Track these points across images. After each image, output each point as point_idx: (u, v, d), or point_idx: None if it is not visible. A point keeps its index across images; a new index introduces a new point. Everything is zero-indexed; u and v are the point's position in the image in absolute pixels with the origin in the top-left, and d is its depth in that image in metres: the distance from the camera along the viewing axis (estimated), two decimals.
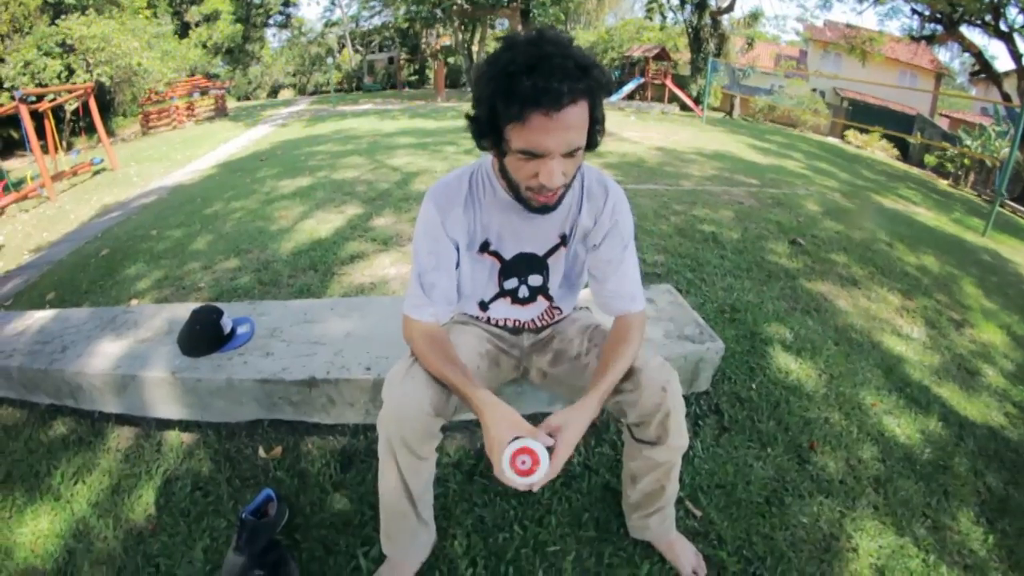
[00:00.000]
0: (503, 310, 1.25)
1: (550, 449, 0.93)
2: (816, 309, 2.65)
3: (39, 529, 1.49)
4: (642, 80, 19.05)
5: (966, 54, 13.67)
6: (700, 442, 1.69)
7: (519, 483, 0.91)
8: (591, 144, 0.96)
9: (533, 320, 1.28)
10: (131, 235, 4.31)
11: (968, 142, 12.12)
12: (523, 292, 1.21)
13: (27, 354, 1.84)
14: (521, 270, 1.17)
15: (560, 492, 1.50)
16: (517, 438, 0.92)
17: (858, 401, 1.98)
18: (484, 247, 1.14)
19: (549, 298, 1.25)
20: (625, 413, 1.12)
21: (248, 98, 29.06)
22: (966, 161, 11.53)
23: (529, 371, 1.34)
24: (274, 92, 31.37)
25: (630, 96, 18.60)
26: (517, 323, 1.28)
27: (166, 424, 1.76)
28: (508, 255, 1.16)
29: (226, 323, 1.69)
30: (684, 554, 1.29)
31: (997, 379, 2.35)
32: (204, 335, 1.66)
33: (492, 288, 1.21)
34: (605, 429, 1.71)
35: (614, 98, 17.76)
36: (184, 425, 1.75)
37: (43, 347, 1.86)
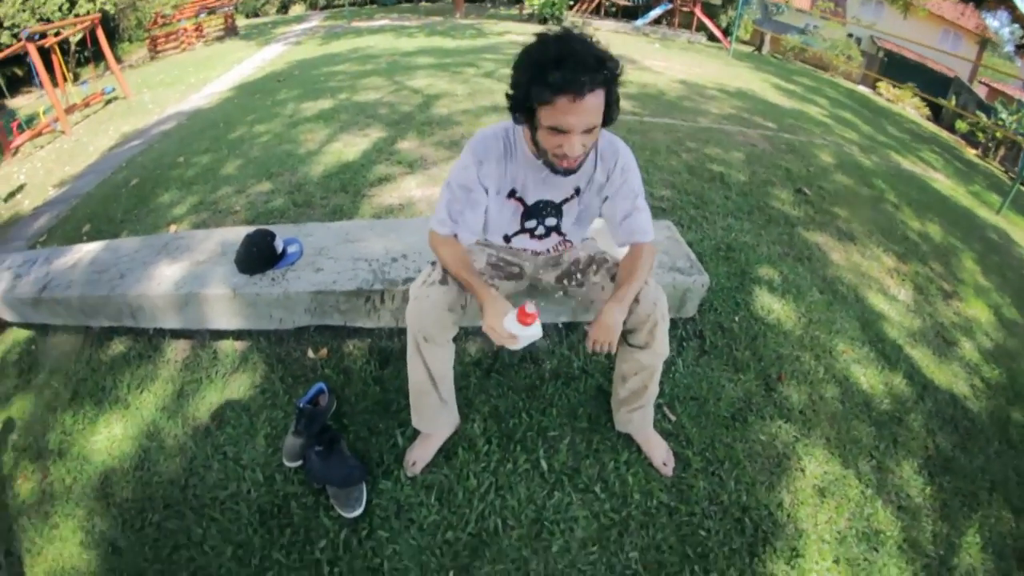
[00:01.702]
0: (523, 242, 1.50)
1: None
2: (808, 258, 2.76)
3: (113, 435, 1.74)
4: (670, 6, 18.05)
5: (1016, 24, 12.73)
6: (682, 360, 1.93)
7: (522, 332, 1.19)
8: (607, 121, 1.16)
9: (547, 250, 1.54)
10: (157, 163, 4.38)
11: (1003, 116, 11.59)
12: (540, 230, 1.46)
13: (86, 283, 2.04)
14: (540, 213, 1.41)
15: (561, 390, 1.78)
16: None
17: (831, 347, 2.17)
18: (511, 194, 1.37)
19: (561, 234, 1.49)
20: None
21: (257, 15, 27.80)
22: (998, 134, 11.06)
23: (539, 283, 1.62)
24: (284, 7, 29.88)
25: (656, 21, 17.73)
26: (534, 252, 1.54)
27: (219, 335, 2.00)
28: (530, 201, 1.39)
29: (279, 244, 1.92)
30: (658, 448, 1.59)
31: (972, 353, 2.44)
32: (261, 255, 1.89)
33: (515, 225, 1.45)
34: None
35: (639, 22, 16.91)
36: (236, 335, 1.99)
37: (100, 275, 2.06)
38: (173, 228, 2.95)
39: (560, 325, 1.99)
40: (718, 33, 16.21)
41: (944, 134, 11.47)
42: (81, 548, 1.49)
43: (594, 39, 1.11)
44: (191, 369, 1.92)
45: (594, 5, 18.96)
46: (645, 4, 19.04)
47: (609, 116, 1.15)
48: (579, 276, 1.50)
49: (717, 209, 3.07)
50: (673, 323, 2.04)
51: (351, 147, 3.84)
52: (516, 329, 1.20)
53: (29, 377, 2.07)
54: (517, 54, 1.15)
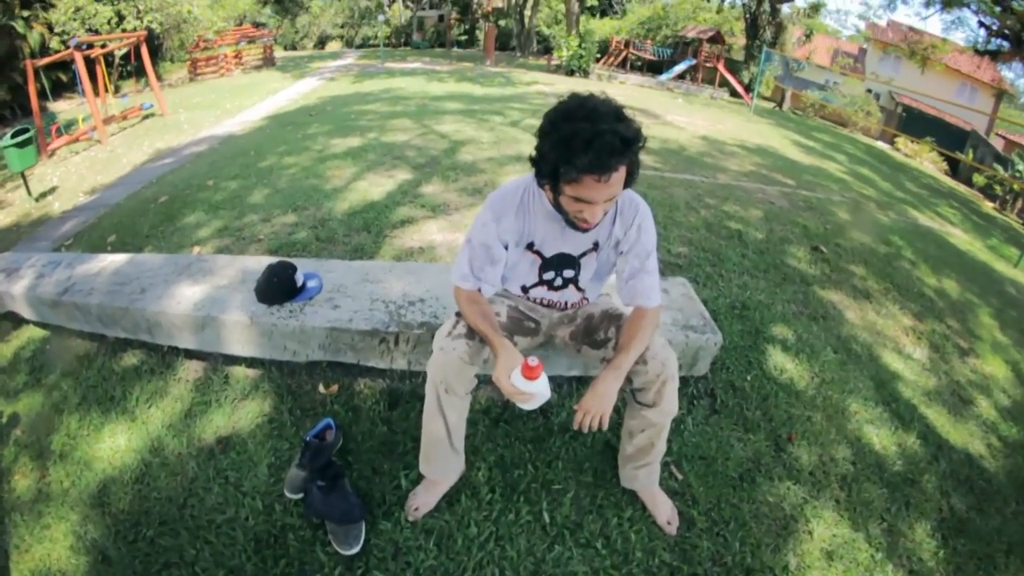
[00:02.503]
0: (540, 294, 1.53)
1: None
2: (823, 316, 2.74)
3: (116, 445, 1.76)
4: (694, 62, 18.62)
5: None
6: (691, 418, 1.91)
7: (527, 388, 1.20)
8: (627, 185, 1.21)
9: (564, 304, 1.56)
10: (188, 183, 4.51)
11: (1021, 168, 11.67)
12: (558, 282, 1.49)
13: (107, 293, 2.09)
14: (558, 265, 1.45)
15: (568, 443, 1.77)
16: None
17: (843, 407, 2.13)
18: (529, 246, 1.41)
19: (580, 289, 1.51)
20: (631, 380, 1.39)
21: (295, 48, 29.15)
22: (1015, 186, 11.11)
23: (554, 338, 1.63)
24: (321, 43, 31.35)
25: (680, 76, 18.23)
26: (550, 305, 1.56)
27: (232, 360, 2.02)
28: (548, 254, 1.42)
29: (299, 277, 1.97)
30: (663, 506, 1.56)
31: (989, 411, 2.41)
32: (281, 286, 1.93)
33: (533, 277, 1.48)
34: None
35: (663, 78, 17.43)
36: (249, 362, 2.01)
37: (122, 288, 2.12)
38: (196, 249, 3.02)
39: (572, 379, 1.99)
40: (740, 89, 16.60)
41: (962, 188, 11.54)
42: (71, 552, 1.49)
43: (617, 104, 1.15)
44: (201, 390, 1.95)
45: (620, 59, 19.61)
46: (670, 59, 19.68)
47: (630, 182, 1.20)
48: (593, 335, 1.51)
49: (733, 267, 3.09)
50: (684, 381, 2.03)
51: (376, 187, 3.92)
52: (521, 384, 1.20)
53: (39, 376, 2.11)
54: (544, 115, 1.19)
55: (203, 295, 2.04)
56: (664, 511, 1.55)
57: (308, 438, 1.59)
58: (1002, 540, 1.75)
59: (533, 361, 1.20)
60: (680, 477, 1.70)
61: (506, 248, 1.39)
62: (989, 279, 4.42)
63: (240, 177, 4.42)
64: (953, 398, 2.42)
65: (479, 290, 1.42)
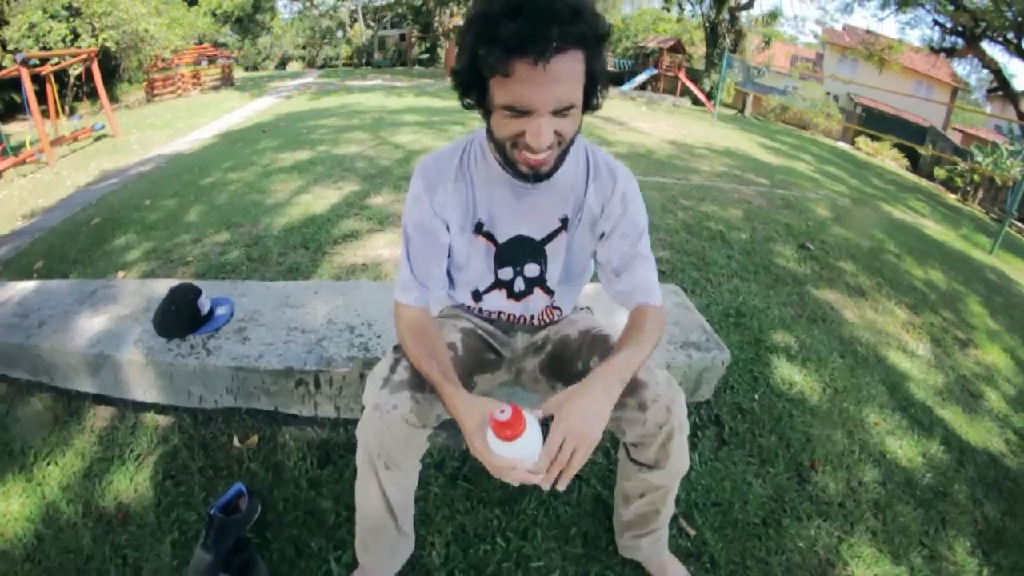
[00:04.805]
0: (496, 302, 1.14)
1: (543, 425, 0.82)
2: (823, 318, 2.57)
3: (9, 511, 1.42)
4: (655, 71, 18.86)
5: (985, 70, 13.60)
6: (698, 455, 1.60)
7: (505, 452, 0.79)
8: (590, 104, 0.85)
9: (531, 319, 1.17)
10: (125, 204, 4.23)
11: (980, 158, 12.05)
12: (519, 285, 1.10)
13: (5, 327, 1.75)
14: (517, 257, 1.06)
15: (547, 503, 1.40)
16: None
17: (861, 419, 1.91)
18: (479, 228, 1.03)
19: (548, 292, 1.12)
20: (624, 431, 1.00)
21: (256, 69, 28.71)
22: (976, 177, 11.47)
23: (522, 373, 1.23)
24: (283, 64, 31.02)
25: (642, 86, 18.41)
26: (511, 318, 1.17)
27: (143, 406, 1.67)
28: (502, 238, 1.04)
29: (204, 303, 1.59)
30: (675, 575, 1.21)
31: (999, 404, 2.29)
32: (180, 316, 1.56)
33: (488, 277, 1.10)
34: None
35: (626, 87, 17.59)
36: (160, 408, 1.66)
37: (21, 321, 1.77)
38: (121, 274, 2.73)
39: (549, 423, 1.65)
40: (702, 96, 16.83)
41: (924, 182, 12.01)
42: None
43: None
44: (105, 444, 1.59)
45: None
46: (631, 70, 19.91)
47: (592, 93, 0.84)
48: (570, 367, 1.11)
49: (721, 270, 2.89)
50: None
51: (321, 200, 3.68)
52: (499, 448, 0.80)
53: None
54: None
55: (100, 328, 1.68)
56: None
57: (213, 511, 1.21)
58: None
59: (501, 414, 0.76)
60: (692, 533, 1.36)
61: (448, 229, 1.03)
62: (970, 267, 4.48)
63: (179, 195, 4.13)
64: (964, 394, 2.30)
65: (426, 309, 1.04)
